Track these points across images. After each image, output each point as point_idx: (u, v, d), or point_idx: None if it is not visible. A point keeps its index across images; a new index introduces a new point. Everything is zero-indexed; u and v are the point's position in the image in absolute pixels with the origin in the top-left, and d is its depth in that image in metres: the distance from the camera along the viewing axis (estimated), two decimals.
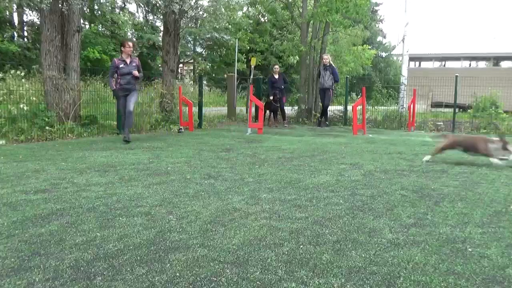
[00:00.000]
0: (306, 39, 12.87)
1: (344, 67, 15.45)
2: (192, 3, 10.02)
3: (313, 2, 13.97)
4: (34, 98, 7.98)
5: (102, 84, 10.46)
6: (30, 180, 4.07)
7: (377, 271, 2.20)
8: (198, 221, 2.95)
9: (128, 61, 7.17)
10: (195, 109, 10.07)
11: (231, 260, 2.30)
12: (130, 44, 7.26)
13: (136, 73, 7.11)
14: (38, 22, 17.62)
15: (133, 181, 4.14)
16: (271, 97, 11.12)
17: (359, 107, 9.87)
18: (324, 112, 11.34)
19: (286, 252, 2.43)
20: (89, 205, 3.29)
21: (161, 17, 14.97)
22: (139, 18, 25.02)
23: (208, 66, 24.01)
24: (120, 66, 7.11)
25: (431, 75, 15.78)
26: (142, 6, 20.70)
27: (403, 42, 14.29)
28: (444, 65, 23.96)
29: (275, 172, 4.70)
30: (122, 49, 7.23)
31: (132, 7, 23.64)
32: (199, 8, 10.42)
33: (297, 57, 16.20)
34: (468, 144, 5.46)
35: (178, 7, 8.89)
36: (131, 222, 2.90)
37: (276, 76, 11.35)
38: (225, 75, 18.07)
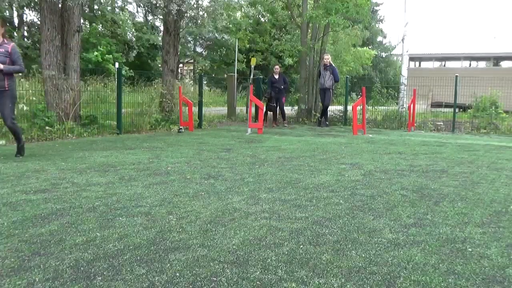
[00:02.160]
0: (306, 39, 12.86)
1: (344, 67, 15.45)
2: (192, 3, 10.02)
3: (312, 2, 13.95)
4: (34, 98, 7.99)
5: (102, 84, 10.46)
6: (30, 180, 4.07)
7: (377, 271, 2.20)
8: (198, 221, 2.95)
9: None
10: (195, 109, 10.07)
11: (231, 260, 2.30)
12: None
13: None
14: (38, 22, 17.61)
15: (133, 181, 4.14)
16: (265, 96, 11.17)
17: (359, 107, 9.88)
18: (324, 112, 11.34)
19: (286, 252, 2.43)
20: (89, 205, 3.29)
21: (161, 17, 14.96)
22: (139, 18, 25.02)
23: (206, 63, 23.93)
24: None
25: (431, 75, 15.78)
26: (142, 6, 20.71)
27: (403, 42, 14.27)
28: (444, 65, 23.95)
29: (275, 172, 4.70)
30: None
31: (132, 7, 23.64)
32: (199, 8, 10.41)
33: (291, 59, 16.20)
34: None
35: (176, 7, 8.87)
36: (131, 222, 2.90)
37: (276, 76, 11.35)
38: (225, 75, 18.06)
